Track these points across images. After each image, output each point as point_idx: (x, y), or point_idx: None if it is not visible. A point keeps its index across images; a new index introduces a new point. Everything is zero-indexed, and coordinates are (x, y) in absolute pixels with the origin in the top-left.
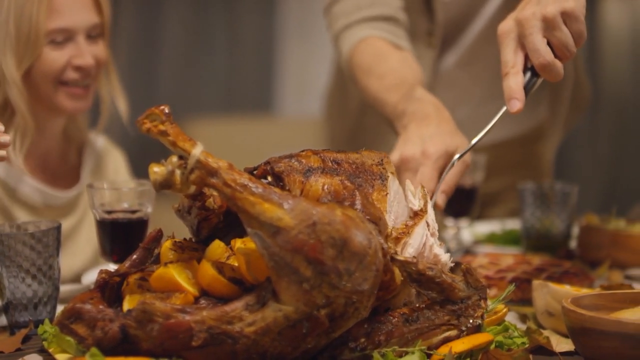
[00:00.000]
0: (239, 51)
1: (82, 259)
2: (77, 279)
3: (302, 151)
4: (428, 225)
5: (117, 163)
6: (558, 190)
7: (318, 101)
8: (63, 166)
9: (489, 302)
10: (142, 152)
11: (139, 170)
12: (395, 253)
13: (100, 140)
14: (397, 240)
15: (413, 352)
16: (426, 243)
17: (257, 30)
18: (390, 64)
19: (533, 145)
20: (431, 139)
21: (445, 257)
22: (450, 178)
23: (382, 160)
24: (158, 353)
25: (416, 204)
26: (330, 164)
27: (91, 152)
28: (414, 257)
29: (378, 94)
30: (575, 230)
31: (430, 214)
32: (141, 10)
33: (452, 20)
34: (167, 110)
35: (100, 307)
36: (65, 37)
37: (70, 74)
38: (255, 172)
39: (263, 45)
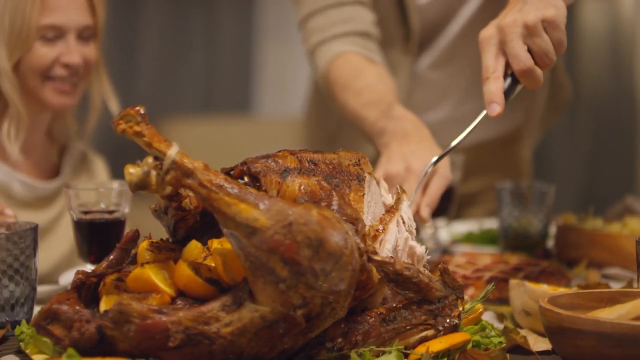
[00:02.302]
0: (218, 51)
1: (59, 252)
2: (54, 272)
3: (279, 151)
4: (404, 222)
5: (98, 168)
6: (535, 189)
7: (296, 101)
8: (44, 162)
9: (468, 302)
10: (120, 154)
11: (116, 171)
12: (374, 252)
13: (81, 145)
14: (375, 238)
15: (390, 352)
16: (401, 237)
17: (235, 31)
18: (367, 80)
19: (511, 146)
20: (413, 155)
21: (420, 250)
22: (433, 192)
23: (359, 160)
24: (135, 354)
25: (388, 198)
26: (307, 165)
27: (72, 154)
28: (391, 257)
29: (356, 111)
30: (553, 230)
31: (407, 212)
32: (120, 10)
33: (428, 24)
34: (142, 111)
35: (77, 307)
36: (56, 34)
37: (58, 71)
38: (231, 172)
39: (241, 46)
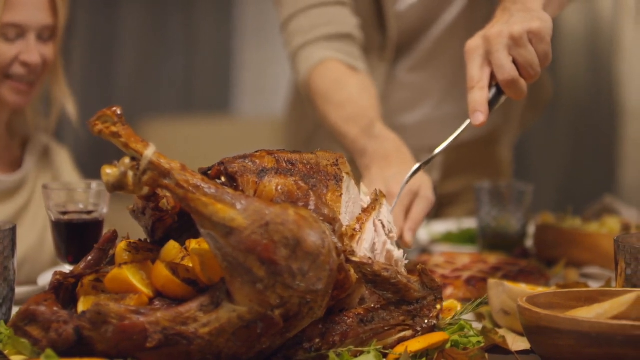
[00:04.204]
0: (197, 51)
1: (24, 246)
2: (20, 265)
3: (257, 152)
4: (384, 226)
5: (61, 159)
6: (513, 189)
7: (275, 101)
8: (5, 155)
9: (455, 310)
10: (96, 154)
11: (93, 172)
12: (352, 253)
13: (44, 138)
14: (352, 237)
15: (369, 352)
16: (379, 240)
17: (214, 31)
18: (349, 91)
19: (491, 146)
20: (394, 179)
21: (398, 254)
22: (416, 216)
23: (337, 160)
24: (113, 354)
25: (366, 201)
26: (284, 165)
27: (35, 147)
28: (370, 257)
29: (337, 125)
30: (532, 229)
31: (387, 216)
32: (98, 10)
33: (406, 30)
34: (119, 112)
35: (55, 308)
36: (17, 32)
37: (17, 69)
38: (209, 172)
39: (220, 46)
